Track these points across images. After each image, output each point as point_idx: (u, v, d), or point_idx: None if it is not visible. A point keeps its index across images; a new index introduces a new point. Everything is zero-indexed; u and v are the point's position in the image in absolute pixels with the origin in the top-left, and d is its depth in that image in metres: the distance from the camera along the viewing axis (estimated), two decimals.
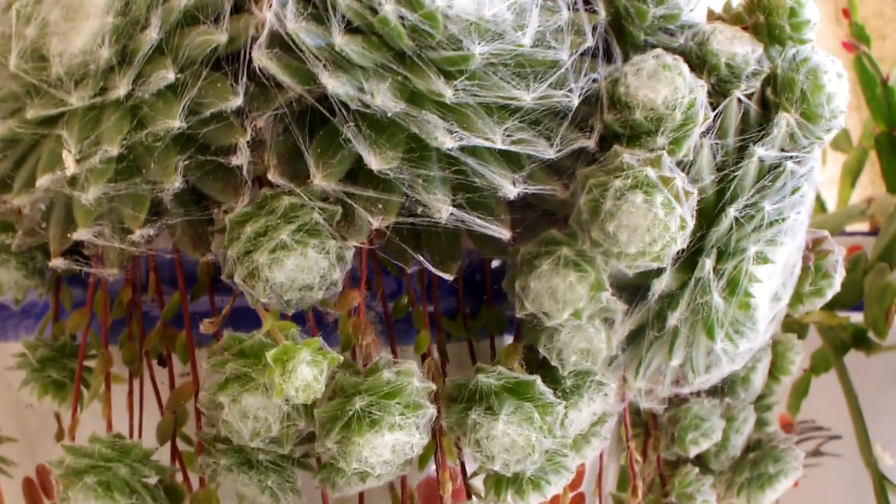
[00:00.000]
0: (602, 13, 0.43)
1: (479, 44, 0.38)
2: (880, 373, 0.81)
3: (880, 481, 0.67)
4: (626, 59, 0.43)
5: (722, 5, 0.49)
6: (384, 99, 0.37)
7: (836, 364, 0.72)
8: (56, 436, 0.46)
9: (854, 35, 0.89)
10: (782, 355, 0.57)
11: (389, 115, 0.37)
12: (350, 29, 0.38)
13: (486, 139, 0.38)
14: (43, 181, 0.39)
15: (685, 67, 0.41)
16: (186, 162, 0.38)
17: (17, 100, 0.41)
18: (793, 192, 0.45)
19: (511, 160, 0.39)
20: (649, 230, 0.39)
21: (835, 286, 0.52)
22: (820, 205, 0.94)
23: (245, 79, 0.38)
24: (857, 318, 0.75)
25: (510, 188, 0.39)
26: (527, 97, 0.39)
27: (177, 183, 0.38)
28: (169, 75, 0.38)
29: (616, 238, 0.40)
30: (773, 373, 0.57)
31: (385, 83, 0.38)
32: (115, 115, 0.38)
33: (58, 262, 0.40)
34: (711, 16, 0.48)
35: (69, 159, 0.38)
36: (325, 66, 0.38)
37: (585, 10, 0.43)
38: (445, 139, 0.37)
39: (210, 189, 0.39)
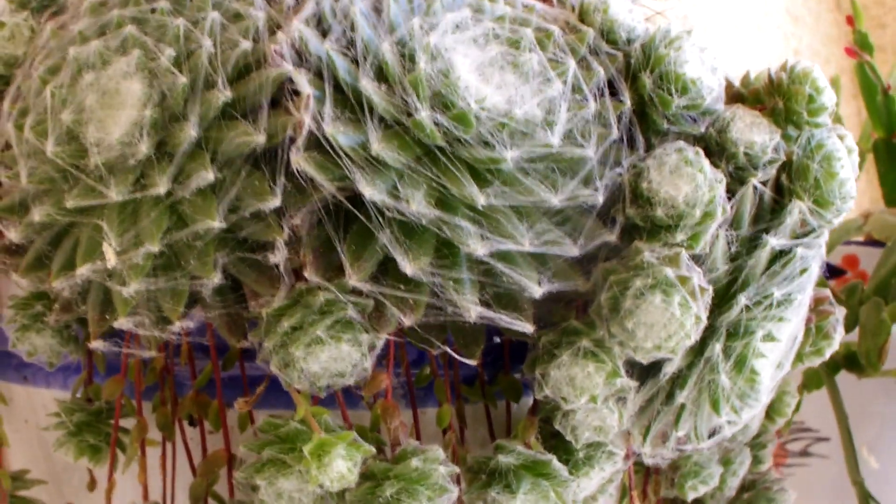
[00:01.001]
0: (627, 102, 0.44)
1: (511, 147, 0.40)
2: (869, 379, 0.85)
3: (866, 500, 0.71)
4: (648, 145, 0.45)
5: (739, 78, 0.51)
6: (419, 206, 0.39)
7: (827, 383, 0.76)
8: (88, 486, 0.49)
9: (857, 43, 0.91)
10: (780, 398, 0.60)
11: (424, 222, 0.39)
12: (384, 126, 0.40)
13: (516, 243, 0.40)
14: (83, 271, 0.41)
15: (706, 163, 0.43)
16: (225, 259, 0.40)
17: (52, 183, 0.42)
18: (801, 273, 0.48)
19: (538, 259, 0.42)
20: (665, 327, 0.42)
21: (834, 345, 0.55)
22: None
23: (283, 178, 0.40)
24: (850, 337, 0.79)
25: (536, 289, 0.41)
26: (555, 200, 0.41)
27: (216, 278, 0.40)
28: (209, 176, 0.39)
29: (634, 334, 0.42)
30: (770, 414, 0.61)
31: (420, 190, 0.39)
32: (154, 211, 0.40)
33: (97, 345, 0.42)
34: (730, 88, 0.50)
35: (110, 252, 0.40)
36: (360, 168, 0.39)
37: (611, 98, 0.45)
38: (477, 246, 0.40)
39: (248, 280, 0.41)
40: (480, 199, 0.39)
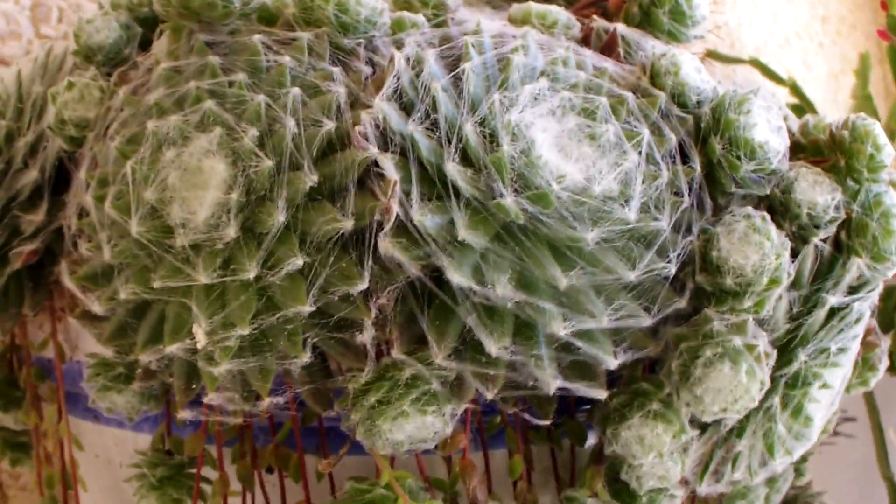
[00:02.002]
0: (698, 168, 0.46)
1: (591, 226, 0.42)
2: None
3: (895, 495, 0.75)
4: (716, 206, 0.47)
5: (798, 127, 0.53)
6: (504, 290, 0.41)
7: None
8: None
9: (890, 27, 0.92)
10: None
11: (508, 305, 0.42)
12: (469, 209, 0.42)
13: (595, 320, 0.43)
14: (172, 349, 0.42)
15: (773, 229, 0.45)
16: (314, 338, 0.42)
17: (136, 258, 0.43)
18: (856, 323, 0.50)
19: (613, 331, 0.44)
20: (732, 392, 0.45)
21: (879, 375, 0.58)
22: None
23: (370, 260, 0.42)
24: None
25: (612, 361, 0.43)
26: (632, 276, 0.43)
27: (305, 358, 0.42)
28: (299, 262, 0.41)
29: (702, 399, 0.45)
30: None
31: (504, 274, 0.41)
32: (243, 294, 0.41)
33: (185, 415, 0.44)
34: (790, 136, 0.52)
35: (200, 334, 0.42)
36: (445, 251, 0.41)
37: (682, 163, 0.46)
38: (559, 328, 0.42)
39: (335, 354, 0.43)
40: (563, 282, 0.41)
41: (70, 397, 0.54)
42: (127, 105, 0.45)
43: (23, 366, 0.53)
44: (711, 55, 0.82)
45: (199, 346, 0.41)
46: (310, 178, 0.41)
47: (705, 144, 0.46)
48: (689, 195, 0.45)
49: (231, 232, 0.41)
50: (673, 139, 0.46)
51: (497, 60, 0.45)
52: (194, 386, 0.44)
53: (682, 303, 0.45)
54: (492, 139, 0.42)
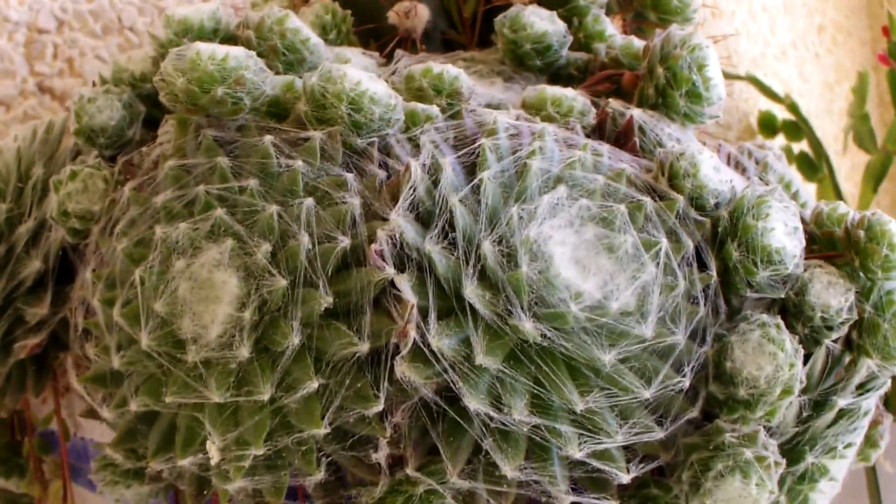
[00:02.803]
0: (714, 275, 0.45)
1: (607, 347, 0.41)
2: None
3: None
4: (729, 308, 0.46)
5: (812, 215, 0.52)
6: (521, 415, 0.40)
7: None
8: None
9: (891, 53, 0.90)
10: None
11: (525, 429, 0.41)
12: (487, 332, 0.41)
13: (610, 439, 0.42)
14: (185, 462, 0.41)
15: (787, 338, 0.45)
16: (328, 455, 0.42)
17: (146, 368, 0.42)
18: (863, 416, 0.50)
19: (626, 448, 0.43)
20: (742, 502, 0.44)
21: (880, 451, 0.58)
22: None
23: (386, 382, 0.41)
24: None
25: (625, 477, 0.43)
26: (647, 394, 0.42)
27: (320, 475, 0.41)
28: (313, 385, 0.40)
29: None
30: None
31: (521, 399, 0.40)
32: (258, 414, 0.40)
33: None
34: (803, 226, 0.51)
35: (213, 450, 0.41)
36: (462, 375, 0.40)
37: (697, 267, 0.45)
38: (575, 450, 0.41)
39: (349, 468, 0.42)
40: (580, 406, 0.41)
41: (74, 468, 0.53)
42: (133, 203, 0.43)
43: (25, 434, 0.52)
44: None
45: (212, 462, 0.40)
46: (325, 300, 0.39)
47: (722, 249, 0.45)
48: (704, 302, 0.45)
49: (244, 352, 0.39)
50: (690, 245, 0.44)
51: (514, 162, 0.43)
52: (206, 492, 0.43)
53: (694, 412, 0.44)
54: (510, 259, 0.41)
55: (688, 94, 0.51)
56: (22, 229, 0.46)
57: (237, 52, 0.44)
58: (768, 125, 0.97)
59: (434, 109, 0.46)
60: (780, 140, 0.95)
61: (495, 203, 0.42)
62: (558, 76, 0.55)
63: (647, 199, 0.44)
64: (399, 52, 0.54)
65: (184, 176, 0.43)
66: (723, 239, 0.46)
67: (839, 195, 0.94)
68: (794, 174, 0.60)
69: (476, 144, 0.43)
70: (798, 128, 0.93)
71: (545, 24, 0.54)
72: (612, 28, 0.56)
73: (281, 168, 0.42)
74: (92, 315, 0.44)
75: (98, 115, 0.46)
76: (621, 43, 0.54)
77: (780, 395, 0.44)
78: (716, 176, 0.46)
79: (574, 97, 0.49)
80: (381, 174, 0.43)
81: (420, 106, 0.46)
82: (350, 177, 0.42)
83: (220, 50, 0.43)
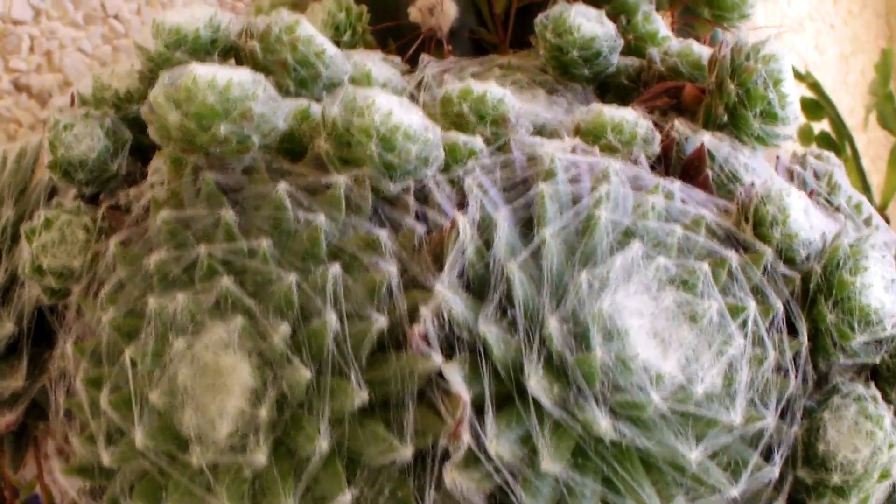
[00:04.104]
0: (805, 339, 0.36)
1: (693, 443, 0.32)
2: None
3: None
4: (816, 373, 0.38)
5: None
6: None
7: None
8: None
9: None
10: None
11: None
12: (554, 432, 0.32)
13: None
14: None
15: (886, 416, 0.36)
16: None
17: (141, 467, 0.33)
18: None
19: None
20: None
21: None
22: (865, 186, 0.87)
23: (432, 491, 0.32)
24: None
25: None
26: (735, 491, 0.33)
27: None
28: (346, 497, 0.31)
29: None
30: None
31: None
32: None
33: None
34: None
35: None
36: (522, 482, 0.31)
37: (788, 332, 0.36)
38: None
39: None
40: None
41: None
42: (121, 261, 0.33)
43: (7, 497, 0.43)
44: None
45: None
46: (359, 395, 0.30)
47: (813, 308, 0.36)
48: (795, 374, 0.36)
49: (261, 458, 0.30)
50: (779, 306, 0.35)
51: (577, 213, 0.34)
52: None
53: (780, 502, 0.36)
54: (580, 338, 0.31)
55: (762, 115, 0.41)
56: None
57: (242, 76, 0.33)
58: None
59: (478, 142, 0.36)
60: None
61: (560, 267, 0.32)
62: (607, 85, 0.45)
63: (731, 254, 0.35)
64: (424, 56, 0.44)
65: (181, 231, 0.33)
66: (814, 297, 0.36)
67: (863, 177, 0.85)
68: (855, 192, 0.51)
69: (532, 192, 0.34)
70: (818, 106, 0.84)
71: (593, 26, 0.43)
72: (664, 28, 0.46)
73: (299, 224, 0.32)
74: (74, 393, 0.35)
75: (76, 146, 0.36)
76: (678, 49, 0.44)
77: (877, 480, 0.36)
78: (806, 222, 0.37)
79: (636, 121, 0.39)
80: (420, 229, 0.33)
81: (461, 138, 0.36)
82: (383, 234, 0.32)
83: (222, 75, 0.33)
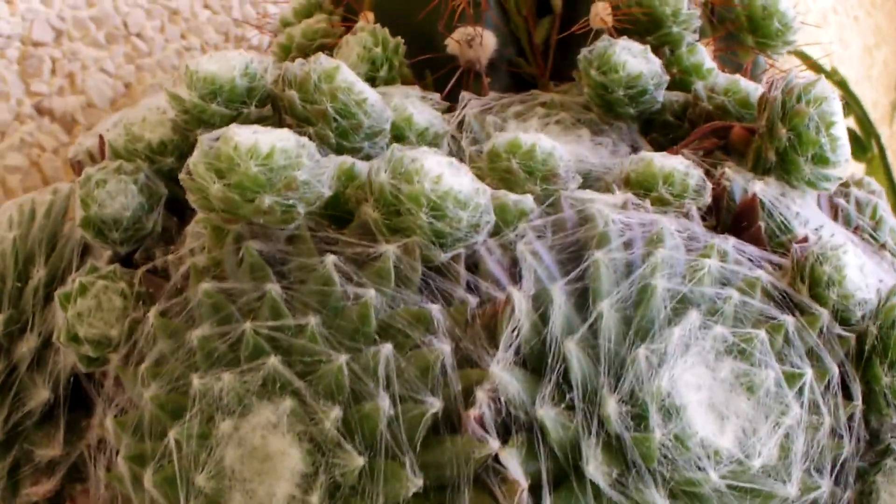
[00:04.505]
0: (859, 401, 0.34)
1: None
2: None
3: None
4: (868, 431, 0.36)
5: None
6: None
7: None
8: None
9: None
10: None
11: None
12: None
13: None
14: None
15: None
16: None
17: None
18: None
19: None
20: None
21: None
22: (891, 186, 0.84)
23: None
24: None
25: None
26: None
27: None
28: None
29: None
30: None
31: None
32: None
33: None
34: None
35: None
36: None
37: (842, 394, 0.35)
38: None
39: None
40: None
41: None
42: (162, 334, 0.32)
43: None
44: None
45: None
46: (413, 482, 0.29)
47: (868, 369, 0.35)
48: (849, 436, 0.34)
49: None
50: (835, 370, 0.34)
51: (631, 283, 0.32)
52: None
53: None
54: (638, 419, 0.30)
55: (813, 158, 0.39)
56: (24, 348, 0.34)
57: (286, 142, 0.31)
58: None
59: (528, 201, 0.34)
60: None
61: (617, 342, 0.31)
62: (652, 122, 0.43)
63: (787, 319, 0.33)
64: (464, 94, 0.42)
65: (224, 305, 0.31)
66: (870, 357, 0.35)
67: (889, 176, 0.82)
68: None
69: (587, 261, 0.32)
70: (845, 104, 0.81)
71: (639, 63, 0.41)
72: (709, 60, 0.44)
73: (348, 300, 0.31)
74: (114, 466, 0.33)
75: (109, 204, 0.34)
76: (725, 85, 0.42)
77: None
78: (862, 280, 0.35)
79: (686, 171, 0.37)
80: (472, 301, 0.32)
81: (511, 198, 0.34)
82: (435, 310, 0.31)
83: (264, 142, 0.31)
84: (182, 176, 0.31)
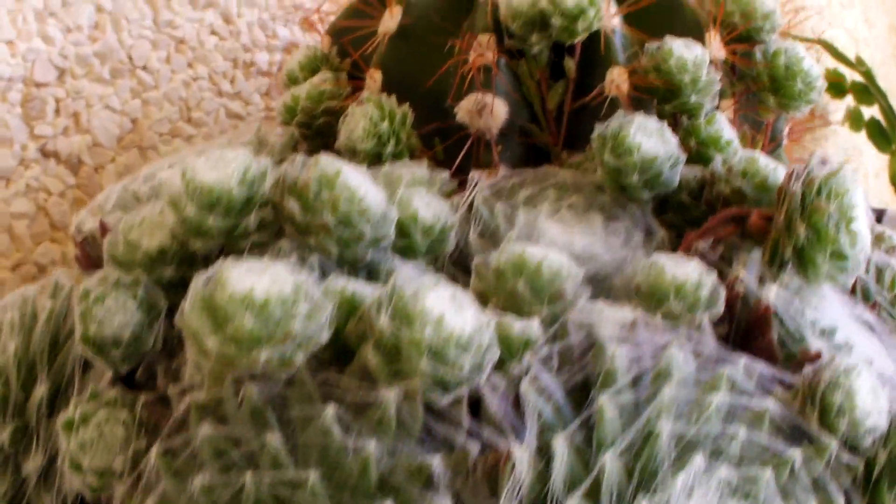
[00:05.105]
0: None
1: None
2: None
3: None
4: None
5: None
6: None
7: None
8: None
9: None
10: None
11: None
12: None
13: None
14: None
15: None
16: None
17: None
18: None
19: None
20: None
21: None
22: None
23: None
24: None
25: None
26: None
27: None
28: None
29: None
30: None
31: None
32: None
33: None
34: None
35: None
36: None
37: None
38: None
39: None
40: None
41: None
42: (165, 475, 0.31)
43: None
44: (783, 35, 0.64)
45: None
46: None
47: (875, 496, 0.33)
48: None
49: None
50: (841, 501, 0.32)
51: (636, 426, 0.30)
52: None
53: None
54: None
55: (832, 255, 0.37)
56: (31, 466, 0.34)
57: (283, 288, 0.29)
58: (836, 85, 0.80)
59: (534, 329, 0.32)
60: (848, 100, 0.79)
61: (620, 493, 0.30)
62: (667, 202, 0.40)
63: (795, 453, 0.32)
64: (473, 174, 0.39)
65: (225, 451, 0.30)
66: (878, 482, 0.33)
67: None
68: None
69: (593, 403, 0.30)
70: (869, 92, 0.77)
71: (654, 144, 0.38)
72: (729, 131, 0.41)
73: (347, 453, 0.29)
74: None
75: (109, 322, 0.33)
76: (743, 166, 0.38)
77: None
78: (874, 404, 0.33)
79: (699, 280, 0.34)
80: (473, 448, 0.30)
81: (516, 326, 0.32)
82: (436, 463, 0.29)
83: (260, 290, 0.29)
84: (177, 320, 0.30)
